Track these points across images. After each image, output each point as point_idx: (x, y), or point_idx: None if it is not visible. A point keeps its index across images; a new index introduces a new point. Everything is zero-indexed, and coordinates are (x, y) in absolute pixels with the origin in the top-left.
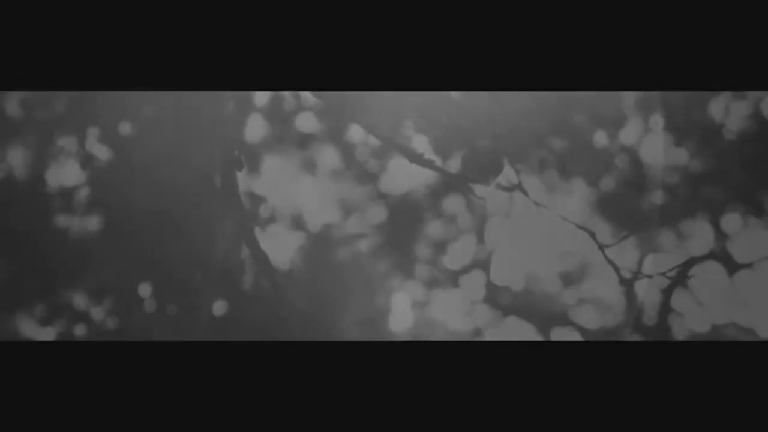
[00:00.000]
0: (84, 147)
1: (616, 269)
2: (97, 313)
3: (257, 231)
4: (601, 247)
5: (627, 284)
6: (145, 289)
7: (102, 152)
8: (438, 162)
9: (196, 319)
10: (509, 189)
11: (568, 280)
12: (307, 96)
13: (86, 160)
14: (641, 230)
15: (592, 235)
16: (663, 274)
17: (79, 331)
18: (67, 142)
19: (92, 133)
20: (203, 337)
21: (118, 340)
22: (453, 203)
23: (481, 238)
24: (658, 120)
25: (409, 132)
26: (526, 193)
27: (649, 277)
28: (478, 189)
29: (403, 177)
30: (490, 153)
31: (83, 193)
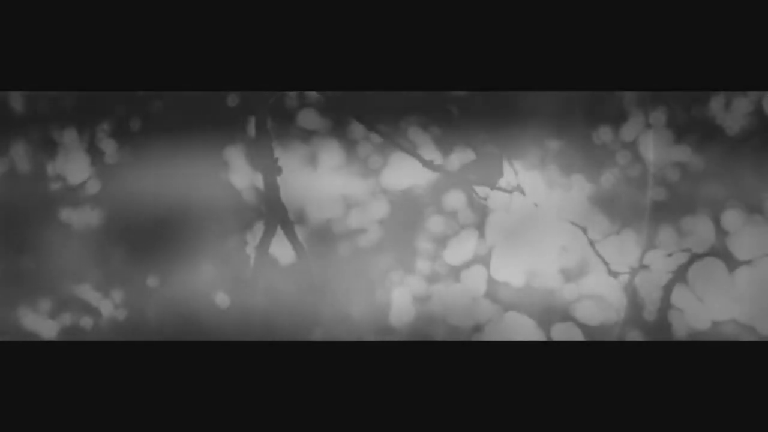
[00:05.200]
0: (93, 142)
1: (606, 264)
2: (105, 306)
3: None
4: (592, 243)
5: (615, 276)
6: (152, 282)
7: (110, 147)
8: (441, 161)
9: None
10: (510, 191)
11: (568, 275)
12: (310, 93)
13: (95, 155)
14: (637, 226)
15: (584, 230)
16: (647, 266)
17: (86, 324)
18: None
19: (101, 128)
20: (206, 332)
21: (123, 340)
22: (454, 199)
23: (482, 233)
24: (659, 116)
25: (412, 129)
26: (523, 193)
27: (637, 268)
28: (481, 190)
29: (405, 172)
30: (494, 158)
31: (90, 188)
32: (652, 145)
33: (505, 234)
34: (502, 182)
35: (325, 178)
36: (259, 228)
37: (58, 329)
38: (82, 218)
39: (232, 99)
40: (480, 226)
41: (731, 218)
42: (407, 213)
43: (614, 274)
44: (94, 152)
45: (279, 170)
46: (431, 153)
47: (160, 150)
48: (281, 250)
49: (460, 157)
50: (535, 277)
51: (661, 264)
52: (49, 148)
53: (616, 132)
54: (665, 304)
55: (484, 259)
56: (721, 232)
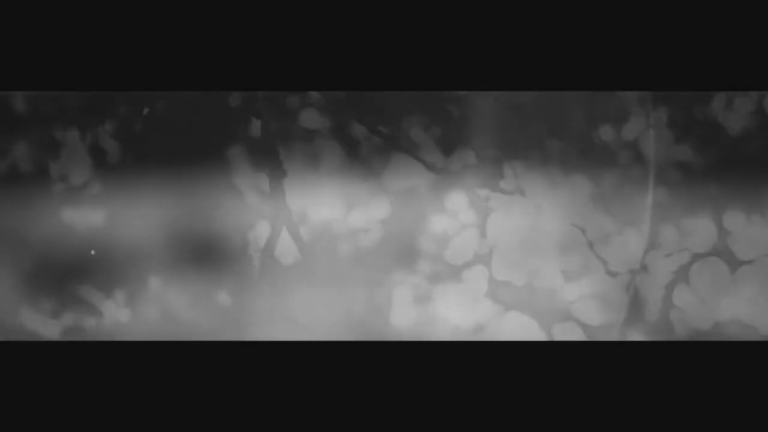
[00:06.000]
0: (97, 141)
1: (607, 263)
2: (108, 306)
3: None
4: (593, 243)
5: (616, 276)
6: (155, 282)
7: (113, 148)
8: (443, 162)
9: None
10: (510, 192)
11: (569, 275)
12: (311, 93)
13: (98, 156)
14: (638, 226)
15: (585, 230)
16: (648, 266)
17: (88, 324)
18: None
19: (103, 128)
20: (209, 332)
21: (125, 340)
22: (455, 199)
23: (483, 233)
24: (660, 116)
25: (414, 130)
26: (524, 194)
27: (638, 268)
28: (482, 191)
29: (406, 173)
30: (494, 159)
31: (92, 188)
32: (653, 144)
33: (506, 234)
34: (503, 183)
35: (326, 178)
36: (262, 228)
37: (60, 329)
38: (84, 218)
39: (234, 99)
40: (481, 227)
41: (733, 218)
42: (408, 213)
43: (615, 274)
44: (96, 153)
45: (284, 172)
46: (433, 154)
47: (163, 150)
48: (284, 250)
49: (461, 158)
50: (536, 277)
51: (663, 264)
52: (52, 148)
53: (618, 131)
54: (667, 304)
55: (485, 259)
56: (723, 232)
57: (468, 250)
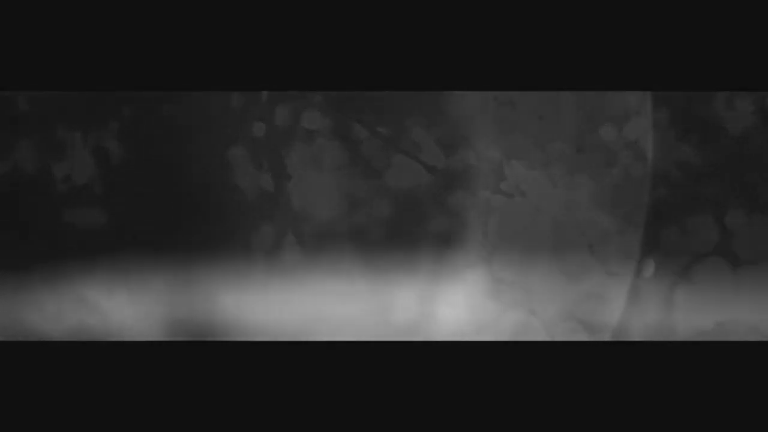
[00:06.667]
0: (100, 142)
1: (608, 264)
2: (110, 307)
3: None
4: (594, 242)
5: (617, 276)
6: (157, 282)
7: (116, 148)
8: (444, 163)
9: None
10: (511, 192)
11: (570, 275)
12: (313, 94)
13: (101, 156)
14: (639, 226)
15: (586, 230)
16: (650, 266)
17: (90, 324)
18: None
19: (106, 129)
20: (211, 332)
21: (127, 340)
22: (456, 200)
23: (485, 233)
24: (661, 116)
25: (415, 130)
26: (525, 194)
27: (640, 268)
28: (484, 192)
29: (408, 172)
30: (495, 160)
31: (95, 188)
32: (654, 144)
33: (507, 234)
34: (504, 184)
35: (328, 177)
36: (264, 229)
37: (63, 329)
38: (87, 218)
39: (236, 99)
40: (483, 227)
41: (735, 218)
42: (410, 213)
43: (617, 274)
44: (99, 153)
45: (286, 172)
46: (433, 154)
47: (166, 151)
48: (286, 250)
49: (462, 159)
50: (537, 277)
51: (664, 264)
52: (54, 148)
53: (619, 131)
54: (668, 304)
55: (486, 259)
56: (725, 232)
57: (469, 251)
